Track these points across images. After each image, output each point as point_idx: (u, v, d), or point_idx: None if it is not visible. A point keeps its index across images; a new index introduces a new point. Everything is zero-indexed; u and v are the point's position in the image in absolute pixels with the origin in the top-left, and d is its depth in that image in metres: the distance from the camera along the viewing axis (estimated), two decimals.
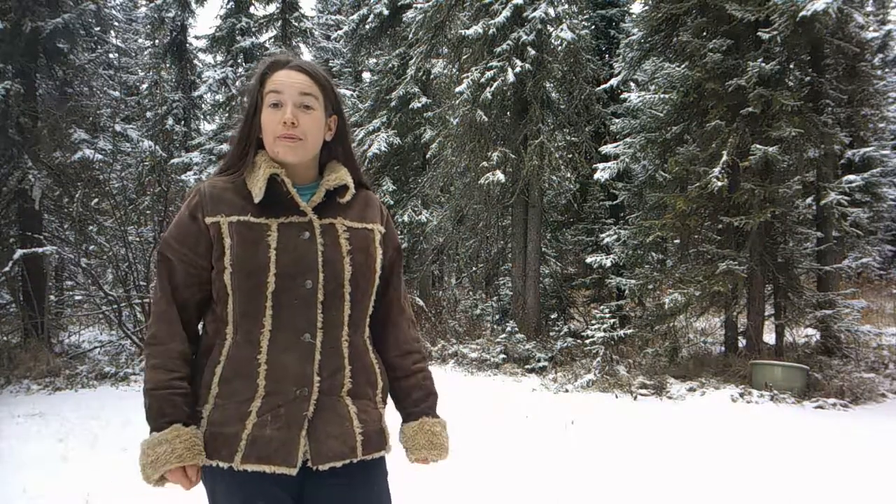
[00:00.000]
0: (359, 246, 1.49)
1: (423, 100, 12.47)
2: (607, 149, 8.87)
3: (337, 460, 1.42)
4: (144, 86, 18.88)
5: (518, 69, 9.22)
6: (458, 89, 9.61)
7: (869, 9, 10.59)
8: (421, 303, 11.81)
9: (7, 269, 8.29)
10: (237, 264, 1.40)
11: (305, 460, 1.41)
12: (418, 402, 1.61)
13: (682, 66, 7.86)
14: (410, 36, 11.97)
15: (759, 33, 7.20)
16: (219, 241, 1.42)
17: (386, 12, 13.38)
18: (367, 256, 1.50)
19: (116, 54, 15.57)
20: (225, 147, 13.31)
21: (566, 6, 9.69)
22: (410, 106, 12.54)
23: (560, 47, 9.60)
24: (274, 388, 1.39)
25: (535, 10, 9.35)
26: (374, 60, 16.18)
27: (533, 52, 9.40)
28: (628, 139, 8.68)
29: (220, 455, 1.38)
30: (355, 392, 1.48)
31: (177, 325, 1.44)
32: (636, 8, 11.17)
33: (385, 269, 1.58)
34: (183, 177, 12.03)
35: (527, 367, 8.72)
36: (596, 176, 8.90)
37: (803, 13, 6.58)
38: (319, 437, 1.41)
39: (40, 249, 8.37)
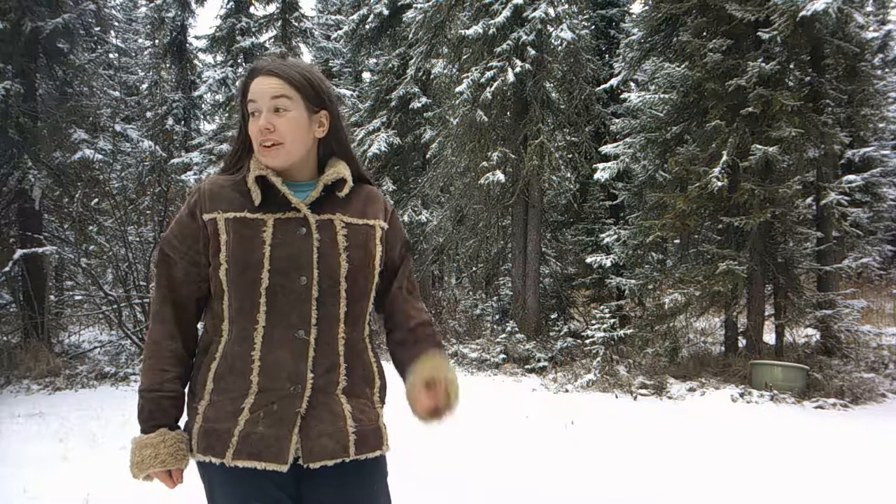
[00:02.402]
0: (357, 242, 1.48)
1: (423, 100, 12.47)
2: (607, 149, 8.87)
3: (328, 459, 1.41)
4: (144, 86, 18.89)
5: (518, 69, 9.22)
6: (458, 89, 9.61)
7: (869, 9, 10.58)
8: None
9: (7, 269, 8.29)
10: (232, 260, 1.41)
11: (297, 458, 1.41)
12: (424, 349, 1.55)
13: (682, 66, 7.85)
14: (410, 36, 11.97)
15: (759, 33, 7.19)
16: (215, 237, 1.43)
17: (386, 12, 13.39)
18: (365, 253, 1.49)
19: (116, 54, 15.60)
20: (225, 147, 13.34)
21: (566, 6, 9.68)
22: (410, 106, 12.55)
23: (560, 47, 9.60)
24: (267, 384, 1.40)
25: (535, 10, 9.35)
26: (374, 60, 16.20)
27: (533, 52, 9.40)
28: (628, 139, 8.68)
29: (214, 451, 1.39)
30: (351, 390, 1.47)
31: (170, 324, 1.46)
32: (636, 8, 11.17)
33: (394, 263, 1.59)
34: (183, 177, 12.03)
35: (527, 367, 8.72)
36: (596, 176, 8.89)
37: (803, 13, 6.57)
38: (311, 435, 1.41)
39: (40, 249, 8.36)
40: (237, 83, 14.03)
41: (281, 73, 1.45)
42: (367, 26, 13.80)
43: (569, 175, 10.74)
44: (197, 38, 17.53)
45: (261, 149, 1.44)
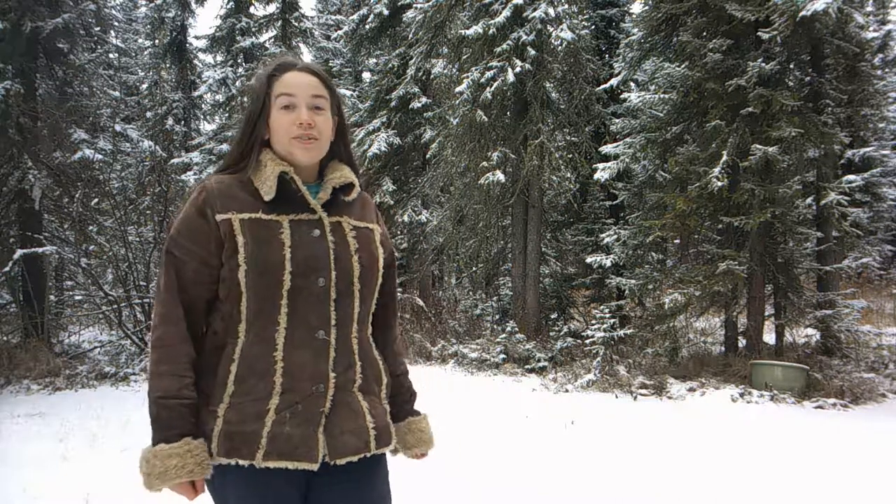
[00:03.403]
0: (364, 244, 1.52)
1: (423, 100, 12.46)
2: (607, 149, 8.87)
3: (352, 455, 1.44)
4: (144, 86, 18.91)
5: (518, 69, 9.22)
6: (458, 89, 9.61)
7: (869, 9, 10.57)
8: (421, 303, 11.80)
9: (7, 269, 8.29)
10: (251, 262, 1.39)
11: (323, 455, 1.42)
12: (404, 403, 1.70)
13: (682, 66, 7.86)
14: (410, 36, 11.97)
15: (759, 33, 7.19)
16: (230, 238, 1.40)
17: (386, 12, 13.38)
18: (370, 255, 1.53)
19: (116, 54, 15.60)
20: (225, 147, 13.33)
21: (566, 6, 9.68)
22: (410, 106, 12.54)
23: (560, 47, 9.60)
24: (291, 385, 1.40)
25: (535, 10, 9.35)
26: (374, 60, 16.19)
27: (533, 52, 9.40)
28: (628, 139, 8.68)
29: (241, 453, 1.37)
30: (365, 388, 1.51)
31: (183, 326, 1.42)
32: (636, 8, 11.17)
33: (385, 270, 1.61)
34: (183, 177, 12.03)
35: (527, 367, 8.72)
36: (596, 176, 8.89)
37: (803, 13, 6.58)
38: (335, 433, 1.43)
39: (40, 249, 8.37)
40: (238, 82, 14.03)
41: (319, 73, 1.50)
42: (367, 26, 13.80)
43: (569, 175, 10.74)
44: (197, 38, 17.55)
45: (297, 141, 1.44)
